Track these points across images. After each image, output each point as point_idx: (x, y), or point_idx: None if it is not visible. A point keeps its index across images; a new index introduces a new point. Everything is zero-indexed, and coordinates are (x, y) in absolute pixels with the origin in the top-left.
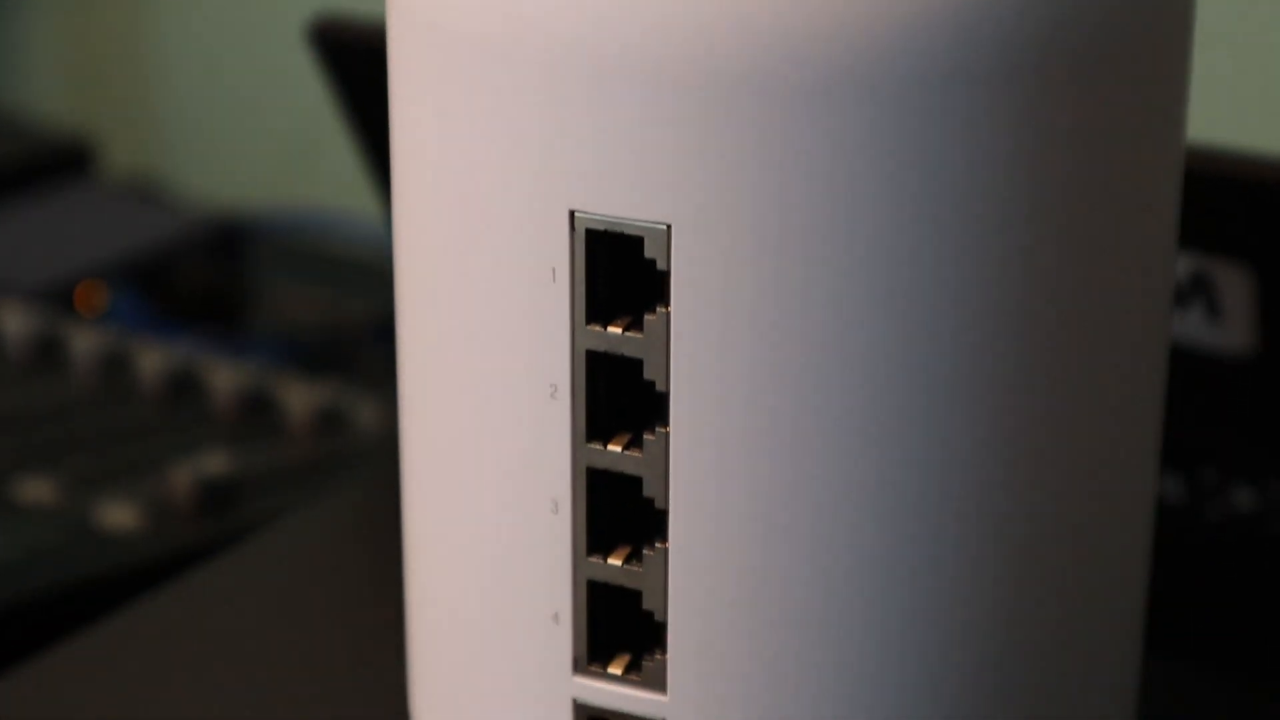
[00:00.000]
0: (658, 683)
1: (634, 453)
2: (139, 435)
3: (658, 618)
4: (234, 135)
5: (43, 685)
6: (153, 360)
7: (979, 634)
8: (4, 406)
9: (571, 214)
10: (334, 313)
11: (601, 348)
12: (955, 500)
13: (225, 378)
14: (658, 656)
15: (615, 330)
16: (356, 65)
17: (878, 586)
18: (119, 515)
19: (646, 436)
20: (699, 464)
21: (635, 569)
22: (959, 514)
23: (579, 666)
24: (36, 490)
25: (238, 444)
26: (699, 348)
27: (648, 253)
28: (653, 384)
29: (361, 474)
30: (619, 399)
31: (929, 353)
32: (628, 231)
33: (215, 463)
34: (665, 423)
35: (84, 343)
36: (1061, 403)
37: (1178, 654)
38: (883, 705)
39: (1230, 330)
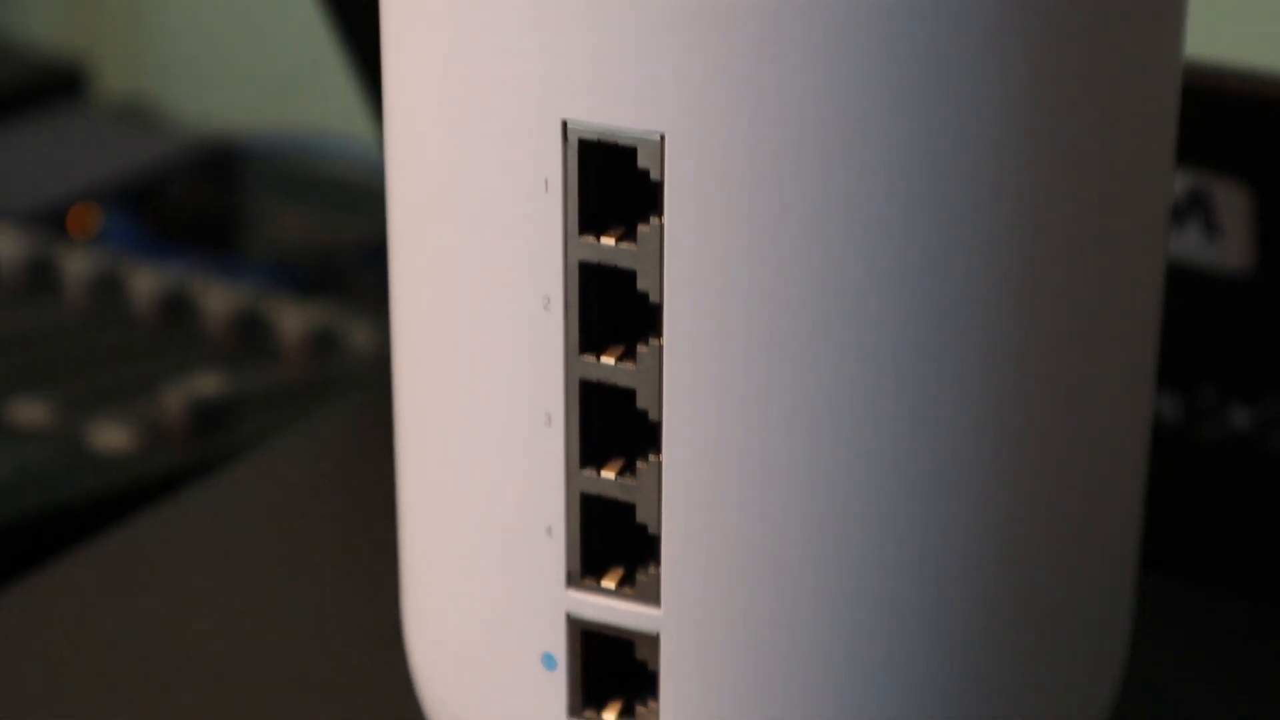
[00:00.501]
0: (651, 596)
1: (627, 365)
2: (132, 357)
3: (651, 531)
4: (227, 58)
5: (35, 604)
6: (146, 282)
7: (977, 547)
8: None
9: (564, 124)
10: (327, 235)
11: (594, 259)
12: (952, 414)
13: (218, 300)
14: (651, 570)
15: (608, 241)
16: None
17: (874, 497)
18: (112, 436)
19: (640, 348)
20: (693, 376)
21: (629, 482)
22: (956, 427)
23: (572, 580)
24: (30, 412)
25: (231, 366)
26: (693, 259)
27: (641, 163)
28: (646, 296)
29: (354, 394)
30: (612, 311)
31: (926, 264)
32: (621, 142)
33: (208, 384)
34: (659, 334)
35: (77, 265)
36: (1058, 321)
37: (1174, 572)
38: (879, 613)
39: (1227, 248)
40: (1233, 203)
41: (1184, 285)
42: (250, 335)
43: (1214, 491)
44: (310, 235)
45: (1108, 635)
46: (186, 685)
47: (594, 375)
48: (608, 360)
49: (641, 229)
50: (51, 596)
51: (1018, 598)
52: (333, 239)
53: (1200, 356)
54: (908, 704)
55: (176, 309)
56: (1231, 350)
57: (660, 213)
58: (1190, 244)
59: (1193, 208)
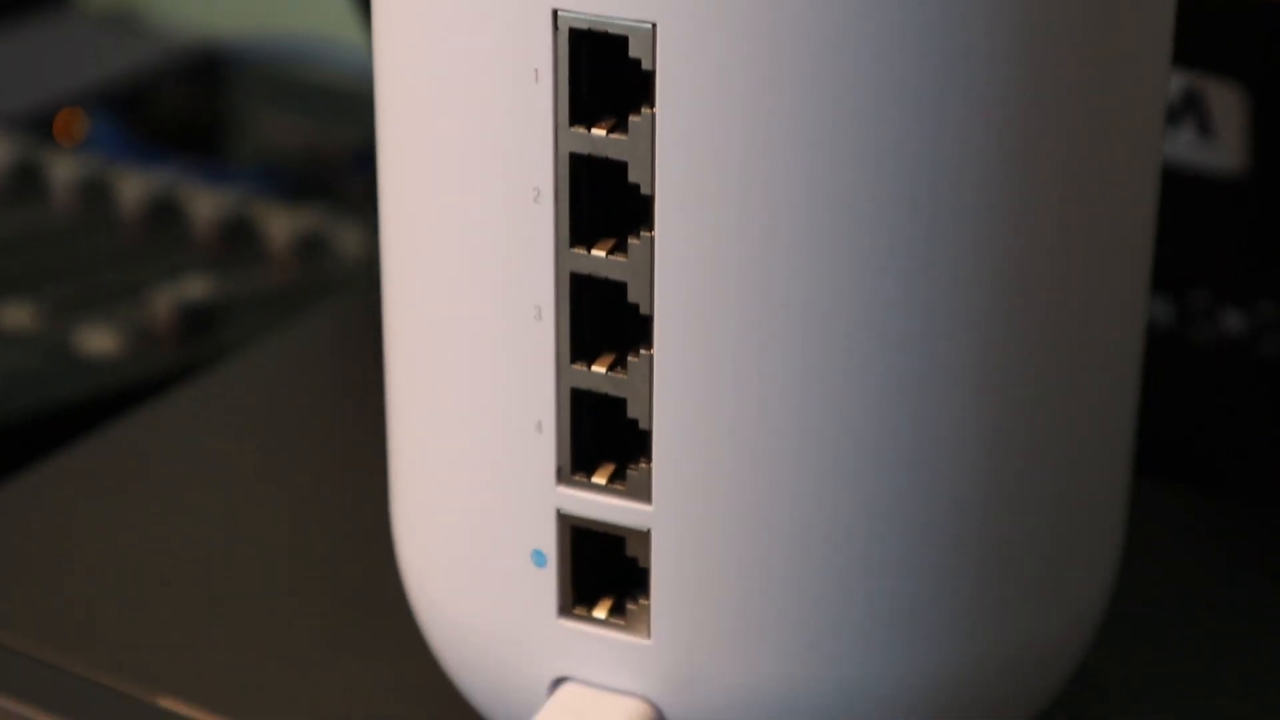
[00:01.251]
0: (642, 492)
1: (618, 257)
2: (119, 262)
3: (642, 426)
4: None
5: (23, 505)
6: (133, 188)
7: (969, 446)
8: None
9: (555, 13)
10: (315, 140)
11: (585, 150)
12: (948, 310)
13: (206, 205)
14: (642, 465)
15: (599, 132)
16: None
17: (867, 390)
18: (99, 340)
19: (631, 241)
20: (684, 269)
21: (620, 376)
22: (951, 322)
23: (562, 476)
24: (16, 316)
25: (218, 270)
26: (684, 149)
27: (632, 53)
28: (637, 187)
29: (343, 298)
30: (603, 205)
31: (918, 156)
32: (612, 30)
33: (196, 288)
34: (650, 227)
35: (63, 171)
36: (1052, 222)
37: (1166, 476)
38: (872, 511)
39: (1222, 150)
40: (1227, 104)
41: (1177, 187)
42: (238, 240)
43: (1205, 396)
44: (298, 140)
45: (1100, 539)
46: (174, 586)
47: (584, 268)
48: (598, 253)
49: (633, 120)
50: (39, 497)
51: (1010, 500)
52: (321, 144)
53: (1193, 259)
54: (897, 600)
55: (164, 214)
56: (1224, 253)
57: (652, 103)
58: (1184, 145)
59: (1187, 109)
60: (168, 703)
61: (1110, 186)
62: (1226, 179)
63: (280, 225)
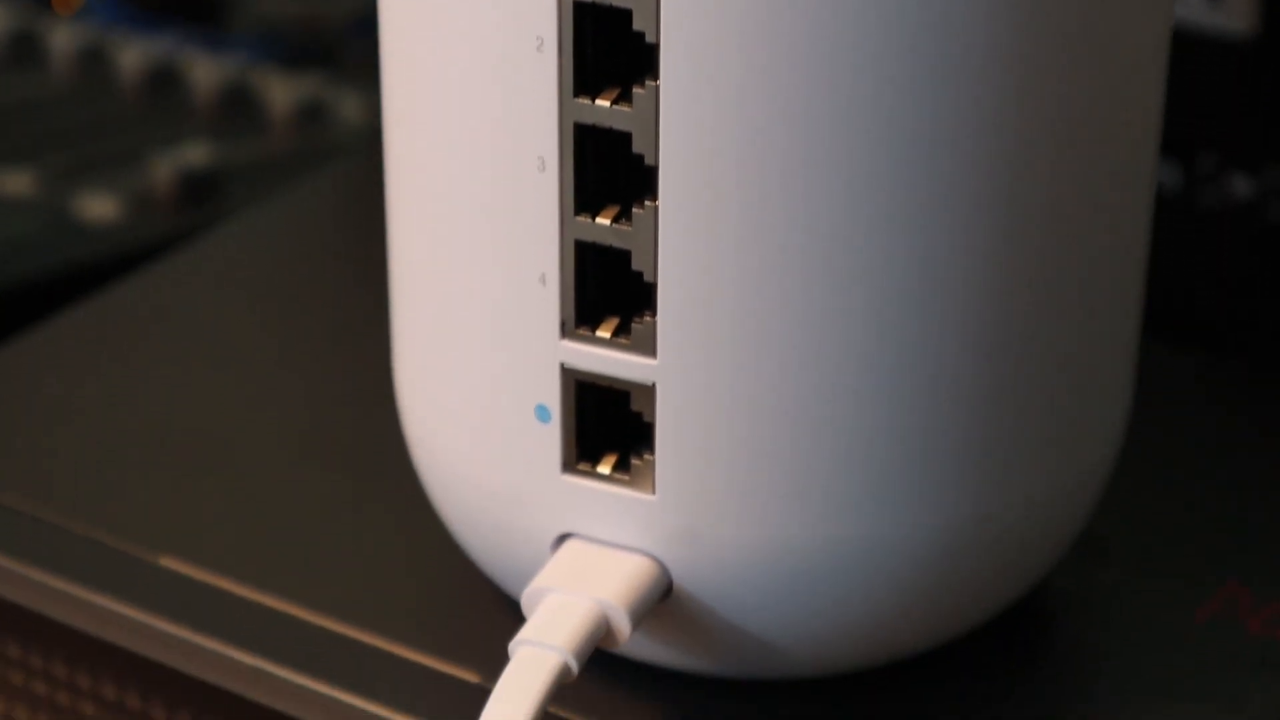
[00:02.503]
0: (647, 346)
1: (623, 106)
2: (119, 129)
3: (647, 278)
4: None
5: (22, 365)
6: (132, 56)
7: (979, 305)
8: None
9: None
10: (315, 7)
11: None
12: (958, 159)
13: (205, 72)
14: (646, 319)
15: None
16: None
17: (877, 242)
18: (99, 207)
19: (636, 90)
20: (690, 117)
21: (624, 228)
22: (962, 173)
23: (566, 330)
24: (16, 183)
25: (218, 137)
26: None
27: None
28: (642, 36)
29: (343, 163)
30: (608, 55)
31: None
32: None
33: (196, 154)
34: (655, 76)
35: (62, 40)
36: (1060, 84)
37: (1173, 339)
38: (880, 364)
39: (1230, 11)
40: None
41: (1186, 50)
42: (238, 107)
43: (1213, 260)
44: (298, 7)
45: (1108, 397)
46: (175, 446)
47: (588, 118)
48: (603, 103)
49: None
50: (40, 359)
51: (1019, 355)
52: (321, 11)
53: (1201, 123)
54: (905, 456)
55: (163, 82)
56: (1233, 117)
57: None
58: (1193, 8)
59: None
60: (169, 562)
61: (1120, 45)
62: (1235, 42)
63: (280, 92)
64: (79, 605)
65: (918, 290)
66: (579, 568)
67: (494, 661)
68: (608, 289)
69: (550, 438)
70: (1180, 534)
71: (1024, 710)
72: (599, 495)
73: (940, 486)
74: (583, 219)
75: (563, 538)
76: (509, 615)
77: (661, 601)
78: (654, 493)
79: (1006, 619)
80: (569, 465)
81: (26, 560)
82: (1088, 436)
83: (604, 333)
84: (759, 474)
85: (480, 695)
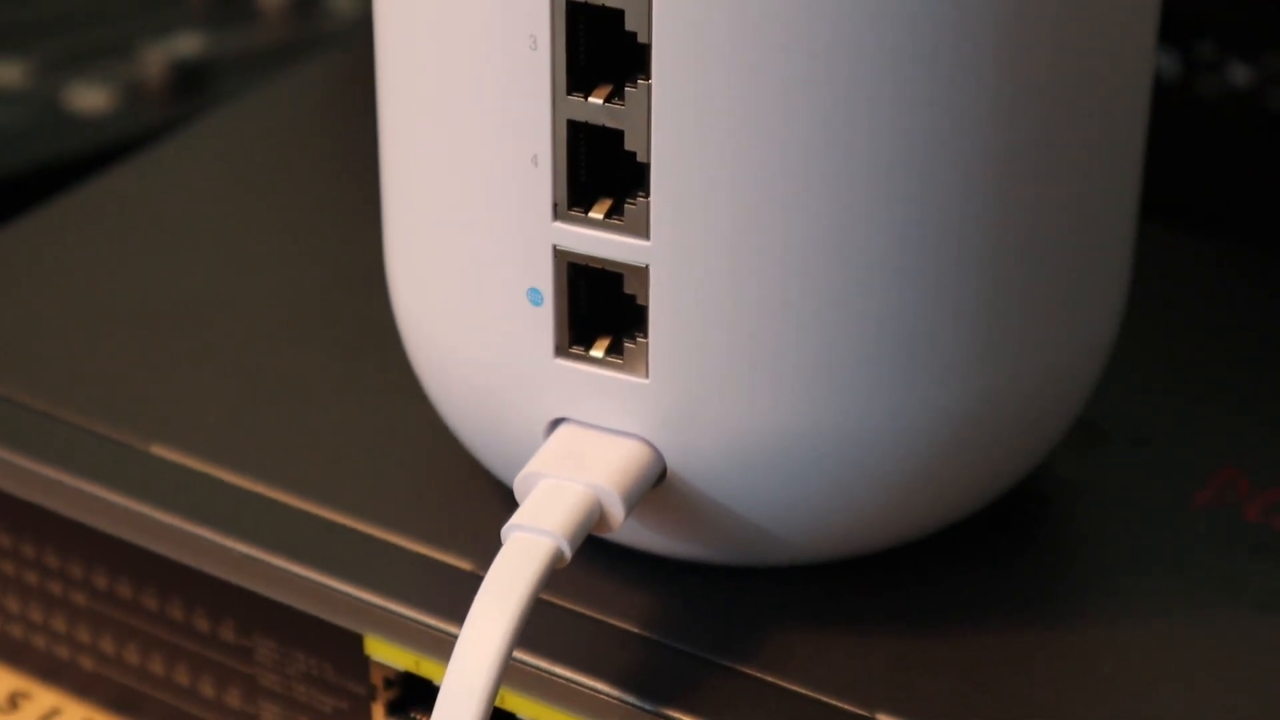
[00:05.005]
0: (640, 227)
1: None
2: (110, 19)
3: (640, 159)
4: None
5: (12, 252)
6: None
7: (977, 181)
8: None
9: None
10: None
11: None
12: (955, 47)
13: None
14: (640, 200)
15: None
16: None
17: (873, 120)
18: (90, 97)
19: None
20: None
21: (617, 107)
22: (957, 59)
23: (559, 212)
24: (6, 74)
25: (210, 28)
26: None
27: None
28: None
29: (335, 53)
30: None
31: None
32: None
33: (188, 44)
34: None
35: None
36: None
37: (1173, 225)
38: (875, 243)
39: None
40: None
41: None
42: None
43: (1211, 148)
44: None
45: (1107, 282)
46: (166, 333)
47: None
48: None
49: None
50: (30, 246)
51: (1017, 237)
52: None
53: (1200, 9)
54: (900, 339)
55: None
56: (1231, 4)
57: None
58: None
59: None
60: (160, 450)
61: None
62: None
63: None
64: (70, 494)
65: (915, 169)
66: (572, 452)
67: (487, 548)
68: (600, 170)
69: (543, 321)
70: (1178, 420)
71: (1021, 593)
72: (592, 379)
73: (936, 369)
74: (575, 98)
75: (556, 422)
76: (502, 502)
77: (655, 487)
78: (647, 376)
79: (1003, 504)
80: (561, 349)
81: (17, 448)
82: (1085, 319)
83: (597, 214)
84: (753, 357)
85: (473, 582)
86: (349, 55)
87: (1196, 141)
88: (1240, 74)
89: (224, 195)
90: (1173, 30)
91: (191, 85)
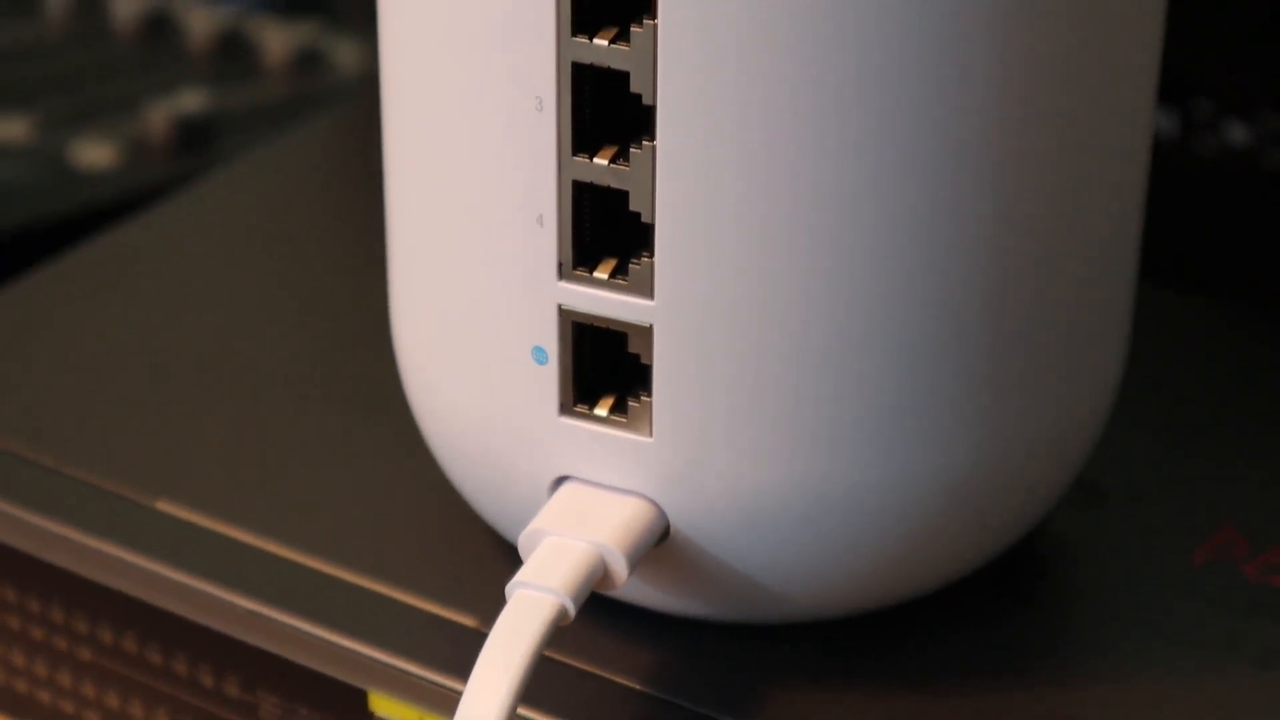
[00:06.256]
0: (644, 287)
1: (621, 46)
2: (114, 75)
3: (645, 219)
4: None
5: (19, 309)
6: (127, 2)
7: (977, 243)
8: None
9: None
10: None
11: None
12: (960, 106)
13: (201, 19)
14: (644, 260)
15: None
16: None
17: (876, 186)
18: (95, 153)
19: (634, 29)
20: (688, 56)
21: (622, 168)
22: (960, 122)
23: (564, 271)
24: (10, 129)
25: (214, 84)
26: None
27: None
28: None
29: (339, 109)
30: None
31: None
32: None
33: (192, 100)
34: (653, 15)
35: None
36: (1060, 29)
37: (1171, 284)
38: (876, 307)
39: None
40: None
41: None
42: (234, 54)
43: (1208, 206)
44: None
45: (1106, 343)
46: (171, 390)
47: (586, 58)
48: (600, 43)
49: None
50: (36, 303)
51: (1017, 298)
52: None
53: (1198, 69)
54: (900, 399)
55: (158, 28)
56: (1229, 64)
57: None
58: None
59: None
60: (166, 506)
61: None
62: None
63: (276, 39)
64: (76, 549)
65: (919, 232)
66: (576, 510)
67: (491, 605)
68: (605, 230)
69: (548, 379)
70: (1176, 480)
71: (1020, 651)
72: (596, 437)
73: (936, 429)
74: (580, 159)
75: (560, 480)
76: (506, 559)
77: (658, 544)
78: (651, 435)
79: (1003, 562)
80: (566, 407)
81: (24, 504)
82: (1085, 380)
83: (601, 274)
84: (756, 416)
85: (477, 639)
86: (353, 111)
87: (1194, 200)
88: (1238, 133)
89: (229, 252)
90: (1171, 90)
91: (196, 141)
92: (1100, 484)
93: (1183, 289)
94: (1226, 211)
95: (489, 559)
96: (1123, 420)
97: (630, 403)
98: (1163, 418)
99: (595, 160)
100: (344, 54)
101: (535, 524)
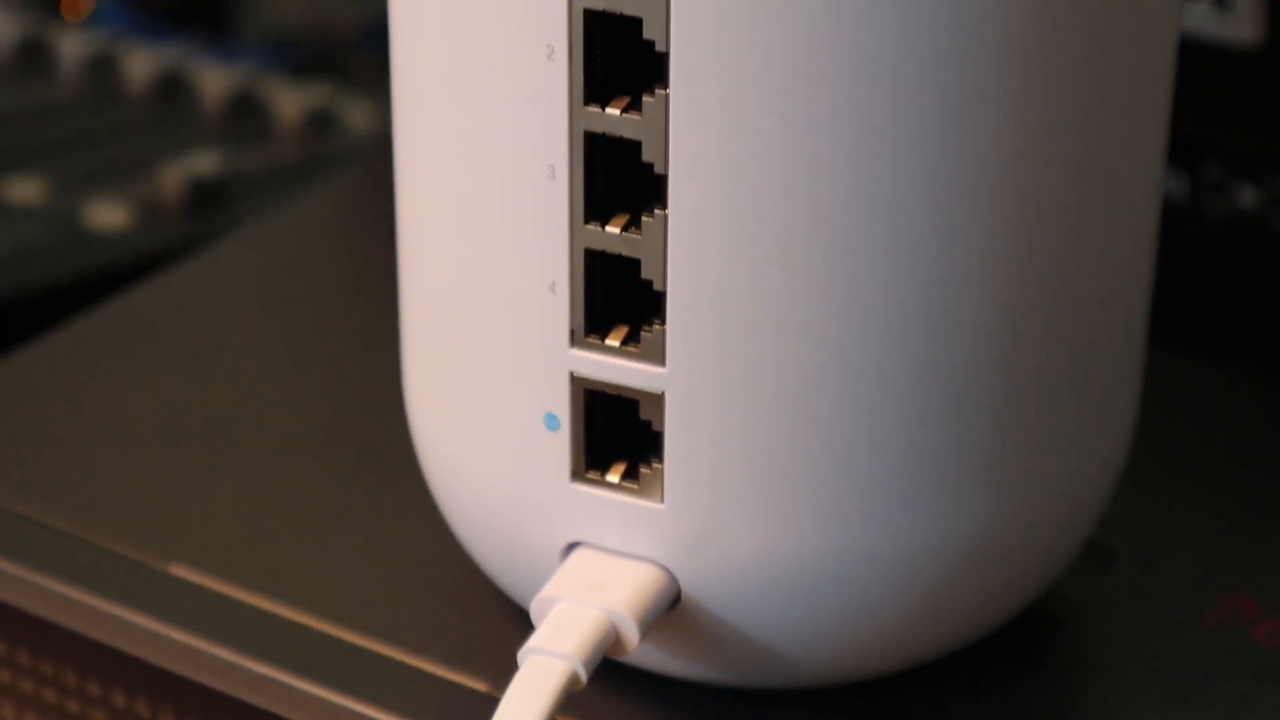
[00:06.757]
0: (656, 354)
1: (633, 116)
2: (127, 137)
3: (656, 287)
4: None
5: (32, 373)
6: (140, 63)
7: (988, 321)
8: None
9: None
10: (324, 15)
11: (599, 6)
12: (971, 176)
13: (214, 81)
14: (656, 328)
15: None
16: None
17: (887, 254)
18: (108, 215)
19: (646, 99)
20: (700, 124)
21: (634, 236)
22: (971, 193)
23: (576, 338)
24: (25, 190)
25: (227, 146)
26: (699, 5)
27: None
28: (653, 44)
29: (351, 172)
30: (618, 63)
31: (941, 46)
32: None
33: (205, 162)
34: (665, 84)
35: (71, 46)
36: (1071, 93)
37: (1180, 348)
38: (887, 376)
39: (1237, 20)
40: None
41: (1192, 58)
42: (246, 116)
43: (1218, 270)
44: (306, 15)
45: (1116, 408)
46: (185, 454)
47: (599, 126)
48: (613, 111)
49: None
50: (50, 367)
51: (1027, 367)
52: (329, 19)
53: (1207, 132)
54: (911, 467)
55: (172, 89)
56: (1239, 126)
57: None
58: (1200, 16)
59: None
60: (179, 569)
61: (1130, 57)
62: (1241, 50)
63: (288, 101)
64: (88, 613)
65: (929, 300)
66: (588, 576)
67: (503, 670)
68: (617, 297)
69: (560, 446)
70: (1186, 543)
71: (1031, 716)
72: (608, 504)
73: (948, 496)
74: (592, 227)
75: (572, 546)
76: (518, 623)
77: (670, 610)
78: (662, 501)
79: (1014, 626)
80: (578, 473)
81: (37, 567)
82: (1095, 444)
83: (613, 341)
84: (767, 483)
85: (489, 704)
86: (366, 173)
87: (1204, 264)
88: (1248, 196)
89: (242, 315)
90: (1179, 153)
91: (208, 202)
92: (1110, 547)
93: (1193, 352)
94: (1236, 275)
95: (501, 624)
96: (1132, 484)
97: (642, 469)
98: (1172, 482)
99: (607, 229)
100: (356, 116)
101: (547, 590)
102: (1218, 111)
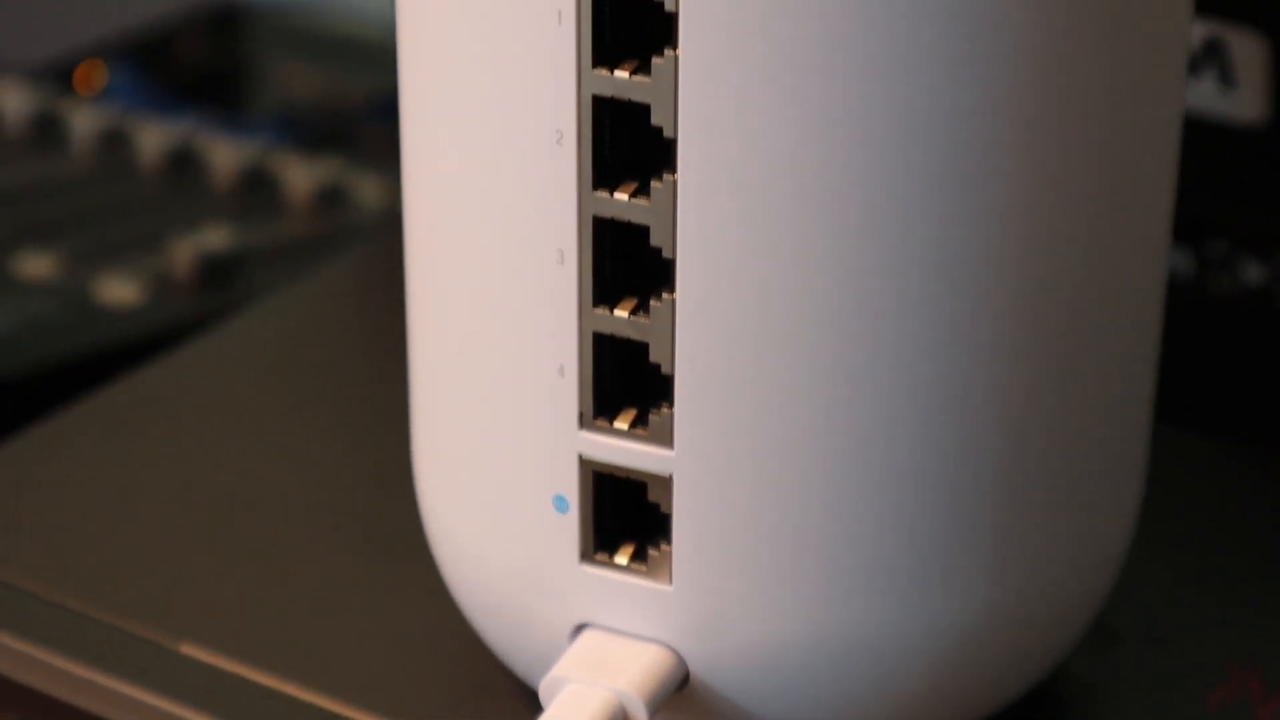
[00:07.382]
0: (664, 437)
1: (641, 201)
2: (139, 212)
3: (665, 370)
4: None
5: (43, 450)
6: (152, 138)
7: (996, 404)
8: (3, 183)
9: None
10: (335, 90)
11: (608, 92)
12: (970, 264)
13: (225, 156)
14: (664, 410)
15: (622, 74)
16: None
17: (895, 339)
18: (119, 290)
19: (654, 183)
20: (707, 210)
21: (642, 320)
22: (977, 277)
23: (585, 421)
24: (36, 265)
25: (238, 221)
26: (707, 89)
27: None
28: (660, 129)
29: (362, 248)
30: (626, 147)
31: (953, 110)
32: None
33: (216, 238)
34: (673, 170)
35: (83, 121)
36: (1073, 170)
37: (1186, 425)
38: (897, 460)
39: (1242, 99)
40: (1249, 53)
41: (1198, 136)
42: (257, 191)
43: (1223, 347)
44: (318, 90)
45: (1122, 486)
46: (196, 532)
47: (607, 212)
48: (621, 196)
49: (656, 61)
50: (60, 444)
51: (1035, 449)
52: (340, 94)
53: (1212, 209)
54: (920, 549)
55: (183, 164)
56: (1244, 203)
57: (675, 44)
58: (1205, 95)
59: (1209, 58)
60: (189, 649)
61: (1134, 135)
62: (1246, 128)
63: (299, 176)
64: (101, 691)
65: (937, 387)
66: (596, 658)
67: None
68: (626, 379)
69: (568, 528)
70: (1192, 622)
71: None
72: (616, 585)
73: (955, 578)
74: (601, 311)
75: (580, 627)
76: (527, 704)
77: (678, 691)
78: (671, 583)
79: (1021, 704)
80: (587, 555)
81: (49, 645)
82: (1102, 522)
83: (622, 424)
84: (776, 566)
85: None
86: (377, 250)
87: (1209, 340)
88: (1253, 273)
89: (253, 392)
90: (1185, 230)
91: (219, 278)
92: (1116, 626)
93: (1198, 429)
94: (1242, 351)
95: (510, 704)
96: (1139, 562)
97: (650, 551)
98: (1178, 560)
99: (616, 312)
100: (367, 191)
101: (556, 671)
102: (1223, 189)
